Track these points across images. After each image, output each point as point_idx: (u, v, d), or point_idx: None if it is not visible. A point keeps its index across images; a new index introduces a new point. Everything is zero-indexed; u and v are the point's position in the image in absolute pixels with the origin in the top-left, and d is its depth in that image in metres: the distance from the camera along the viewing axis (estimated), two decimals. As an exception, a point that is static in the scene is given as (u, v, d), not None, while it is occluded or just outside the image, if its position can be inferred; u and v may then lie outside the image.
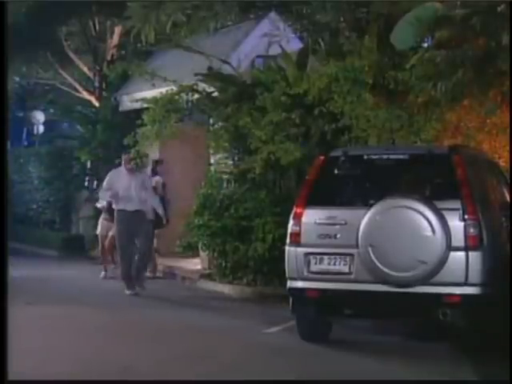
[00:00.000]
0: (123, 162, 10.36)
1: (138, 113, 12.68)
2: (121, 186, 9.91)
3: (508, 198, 7.75)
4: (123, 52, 16.71)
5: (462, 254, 6.28)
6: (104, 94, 16.54)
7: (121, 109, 15.91)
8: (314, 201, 6.87)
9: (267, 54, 11.93)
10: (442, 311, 6.27)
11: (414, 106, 9.49)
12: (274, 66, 10.94)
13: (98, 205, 12.09)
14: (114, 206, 10.03)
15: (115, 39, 16.50)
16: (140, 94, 13.24)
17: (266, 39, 12.10)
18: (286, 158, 9.90)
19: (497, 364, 6.11)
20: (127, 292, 9.92)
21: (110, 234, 11.40)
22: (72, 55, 16.76)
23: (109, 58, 16.41)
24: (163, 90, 11.64)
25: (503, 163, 9.07)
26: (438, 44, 8.21)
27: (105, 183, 10.28)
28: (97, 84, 16.72)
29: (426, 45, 9.16)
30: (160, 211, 10.39)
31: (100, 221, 12.00)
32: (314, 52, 10.86)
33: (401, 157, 6.95)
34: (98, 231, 12.09)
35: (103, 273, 11.84)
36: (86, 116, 16.81)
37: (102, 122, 15.99)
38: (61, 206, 17.11)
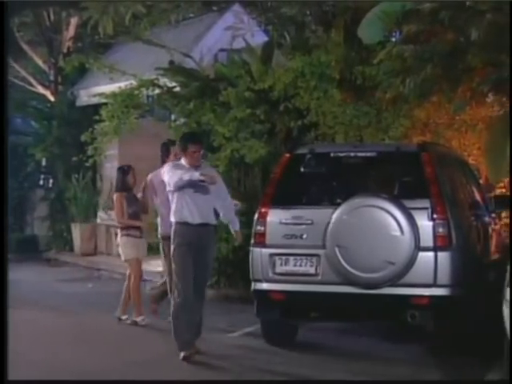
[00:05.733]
0: (184, 156, 6.80)
1: (95, 108, 12.60)
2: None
3: (477, 197, 7.88)
4: (80, 44, 16.55)
5: (430, 254, 6.35)
6: (60, 88, 16.37)
7: (78, 104, 15.78)
8: (279, 200, 6.89)
9: (231, 48, 11.92)
10: (410, 313, 6.33)
11: (382, 102, 9.57)
12: (238, 60, 10.94)
13: (102, 219, 9.15)
14: (171, 218, 6.82)
15: (71, 31, 16.35)
16: (98, 89, 13.14)
17: (230, 32, 12.10)
18: (251, 156, 9.92)
19: (467, 366, 6.22)
20: (182, 355, 6.53)
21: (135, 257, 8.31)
22: (25, 47, 16.56)
23: (65, 50, 16.26)
24: (122, 84, 11.56)
25: (472, 161, 9.21)
26: (406, 39, 8.28)
27: (170, 180, 6.72)
28: (52, 78, 16.54)
29: (393, 39, 9.24)
30: (236, 227, 7.16)
31: (122, 239, 8.30)
32: (279, 46, 10.90)
33: (368, 154, 7.01)
34: (127, 255, 8.28)
35: (141, 317, 8.24)
36: (41, 111, 16.63)
37: (58, 118, 15.83)
38: (14, 205, 16.88)
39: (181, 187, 6.60)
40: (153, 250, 12.05)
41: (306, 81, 9.82)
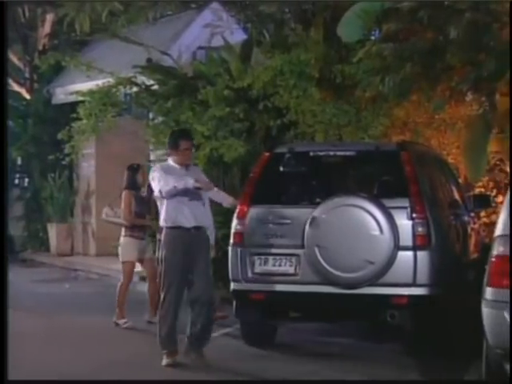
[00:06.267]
0: (175, 155, 6.53)
1: (72, 106, 12.54)
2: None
3: (456, 196, 7.94)
4: (56, 41, 16.45)
5: (409, 253, 6.38)
6: (35, 86, 16.27)
7: (54, 102, 15.70)
8: (258, 199, 6.90)
9: (209, 46, 11.93)
10: (389, 313, 6.37)
11: (361, 101, 9.62)
12: (217, 59, 10.94)
13: (107, 215, 8.55)
14: (162, 223, 6.53)
15: (47, 28, 16.24)
16: (74, 87, 13.10)
17: (208, 30, 12.10)
18: (230, 155, 9.93)
19: (445, 366, 6.27)
20: (166, 362, 6.38)
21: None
22: (0, 44, 16.42)
23: (40, 47, 16.15)
24: (99, 82, 11.52)
25: (452, 160, 9.28)
26: (385, 37, 8.34)
27: (160, 185, 6.39)
28: (27, 75, 16.43)
29: (373, 38, 9.29)
30: (212, 238, 6.74)
31: (124, 240, 8.18)
32: (258, 44, 10.91)
33: (348, 153, 7.04)
34: (124, 257, 8.18)
35: (123, 320, 8.17)
36: (16, 109, 16.48)
37: (34, 116, 15.73)
38: (-11, 205, 16.76)
39: (174, 195, 6.35)
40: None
41: (286, 79, 9.84)
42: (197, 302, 6.41)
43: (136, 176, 8.20)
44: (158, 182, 6.41)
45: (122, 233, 8.23)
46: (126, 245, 8.14)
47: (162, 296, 6.49)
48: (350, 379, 6.11)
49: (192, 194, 6.39)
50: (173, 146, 6.58)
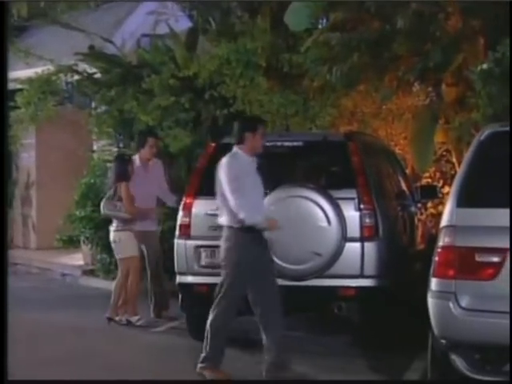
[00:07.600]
0: (251, 140, 6.01)
1: (10, 94, 12.33)
2: (249, 185, 5.92)
3: (404, 187, 8.08)
4: (-7, 27, 16.14)
5: (357, 245, 6.47)
6: (-29, 73, 15.95)
7: (-9, 90, 15.40)
8: (204, 191, 6.89)
9: (154, 33, 11.84)
10: (337, 305, 6.46)
11: (309, 91, 9.69)
12: (162, 47, 10.88)
13: (108, 209, 8.05)
14: (230, 222, 5.93)
15: (-17, 12, 15.92)
16: (12, 74, 12.84)
17: (153, 17, 12.01)
18: (175, 145, 9.90)
19: (393, 357, 6.39)
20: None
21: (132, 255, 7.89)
22: None
23: (-24, 32, 15.83)
24: (39, 69, 11.36)
25: (399, 150, 9.43)
26: (333, 26, 8.42)
27: (230, 179, 5.91)
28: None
29: (320, 27, 9.36)
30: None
31: (122, 234, 7.91)
32: (204, 32, 10.89)
33: (295, 144, 7.08)
34: (126, 253, 7.93)
35: (137, 317, 7.95)
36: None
37: (-30, 104, 15.42)
38: None
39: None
40: (74, 243, 11.95)
41: (232, 68, 9.85)
42: (268, 326, 5.98)
43: (128, 167, 7.97)
44: (228, 181, 5.91)
45: (118, 227, 7.91)
46: (125, 239, 7.86)
47: (219, 306, 6.04)
48: (298, 370, 6.17)
49: (260, 187, 6.02)
50: (251, 128, 6.01)
